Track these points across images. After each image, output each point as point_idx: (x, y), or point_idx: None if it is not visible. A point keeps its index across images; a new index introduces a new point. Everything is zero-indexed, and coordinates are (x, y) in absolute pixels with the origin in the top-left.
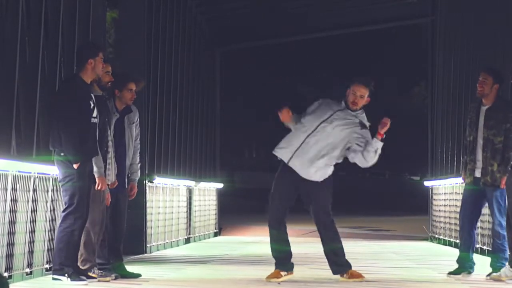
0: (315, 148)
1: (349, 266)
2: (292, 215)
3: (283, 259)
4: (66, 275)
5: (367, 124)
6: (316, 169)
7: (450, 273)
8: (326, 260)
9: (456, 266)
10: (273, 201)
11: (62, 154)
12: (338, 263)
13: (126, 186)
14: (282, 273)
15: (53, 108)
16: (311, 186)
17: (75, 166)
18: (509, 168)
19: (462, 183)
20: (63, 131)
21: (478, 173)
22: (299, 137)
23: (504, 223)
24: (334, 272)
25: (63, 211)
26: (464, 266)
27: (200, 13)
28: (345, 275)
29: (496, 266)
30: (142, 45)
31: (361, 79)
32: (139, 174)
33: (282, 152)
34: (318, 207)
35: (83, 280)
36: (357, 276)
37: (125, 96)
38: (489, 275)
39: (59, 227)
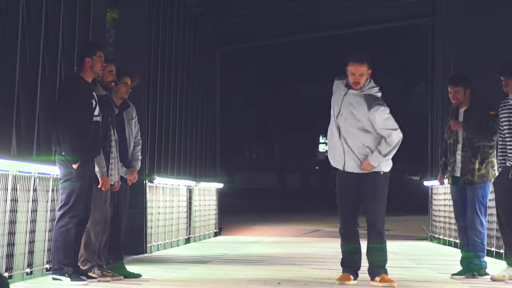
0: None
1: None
2: (292, 215)
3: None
4: (66, 275)
5: (378, 94)
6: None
7: (454, 274)
8: (325, 260)
9: (460, 268)
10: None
11: (63, 153)
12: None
13: (127, 185)
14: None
15: (53, 108)
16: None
17: (74, 166)
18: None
19: (438, 185)
20: (61, 132)
21: (457, 173)
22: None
23: (484, 222)
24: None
25: (59, 209)
26: (468, 267)
27: (200, 13)
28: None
29: (477, 265)
30: (142, 45)
31: (355, 57)
32: (139, 164)
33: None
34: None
35: (83, 280)
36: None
37: (120, 90)
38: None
39: (55, 226)
